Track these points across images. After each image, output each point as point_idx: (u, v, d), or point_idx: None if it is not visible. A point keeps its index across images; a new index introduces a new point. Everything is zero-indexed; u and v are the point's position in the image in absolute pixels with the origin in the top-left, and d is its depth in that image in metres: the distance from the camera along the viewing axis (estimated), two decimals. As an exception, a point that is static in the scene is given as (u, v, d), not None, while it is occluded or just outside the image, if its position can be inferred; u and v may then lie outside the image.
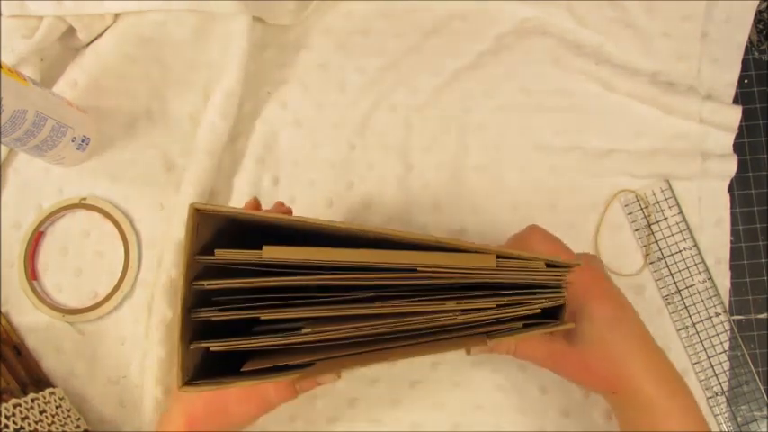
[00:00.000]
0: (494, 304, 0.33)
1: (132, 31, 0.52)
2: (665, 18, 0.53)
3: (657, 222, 0.50)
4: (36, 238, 0.51)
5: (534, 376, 0.49)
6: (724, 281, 0.50)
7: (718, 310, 0.49)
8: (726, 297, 0.50)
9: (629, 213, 0.51)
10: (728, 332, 0.49)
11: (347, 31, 0.54)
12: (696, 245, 0.50)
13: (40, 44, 0.51)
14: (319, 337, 0.33)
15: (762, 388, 0.49)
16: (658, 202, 0.51)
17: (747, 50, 0.53)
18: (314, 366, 0.34)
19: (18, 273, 0.50)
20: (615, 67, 0.52)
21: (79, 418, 0.47)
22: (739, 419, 0.48)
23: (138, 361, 0.49)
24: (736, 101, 0.52)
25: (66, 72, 0.52)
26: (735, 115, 0.51)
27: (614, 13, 0.53)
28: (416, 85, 0.53)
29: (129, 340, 0.50)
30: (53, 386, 0.47)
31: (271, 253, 0.32)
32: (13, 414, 0.42)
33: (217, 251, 0.33)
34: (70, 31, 0.52)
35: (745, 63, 0.52)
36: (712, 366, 0.49)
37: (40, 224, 0.51)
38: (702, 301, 0.50)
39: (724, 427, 0.48)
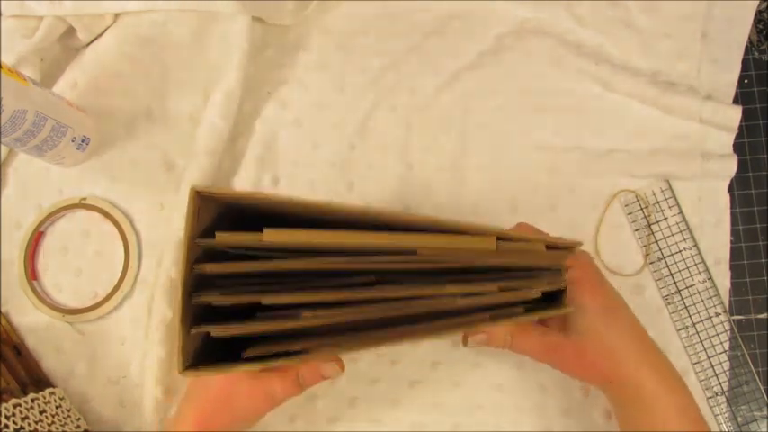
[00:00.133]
0: (495, 288, 0.33)
1: (132, 31, 0.52)
2: (665, 18, 0.53)
3: (657, 222, 0.50)
4: (36, 238, 0.51)
5: (534, 376, 0.49)
6: (724, 281, 0.50)
7: (718, 310, 0.49)
8: (726, 297, 0.50)
9: (629, 213, 0.51)
10: (728, 332, 0.49)
11: (347, 32, 0.54)
12: (696, 245, 0.50)
13: (40, 44, 0.51)
14: (319, 322, 0.32)
15: (762, 388, 0.49)
16: (658, 202, 0.51)
17: (747, 50, 0.53)
18: (313, 353, 0.34)
19: (18, 273, 0.50)
20: (615, 67, 0.52)
21: (79, 418, 0.47)
22: (739, 419, 0.48)
23: (138, 361, 0.49)
24: (736, 101, 0.52)
25: (66, 72, 0.52)
26: (735, 115, 0.51)
27: (614, 13, 0.53)
28: (416, 86, 0.53)
29: (129, 340, 0.50)
30: (53, 386, 0.47)
31: (271, 236, 0.32)
32: (13, 414, 0.42)
33: (217, 234, 0.33)
34: (70, 31, 0.52)
35: (745, 63, 0.52)
36: (712, 366, 0.49)
37: (40, 224, 0.51)
38: (702, 301, 0.50)
39: (724, 427, 0.48)
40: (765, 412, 0.48)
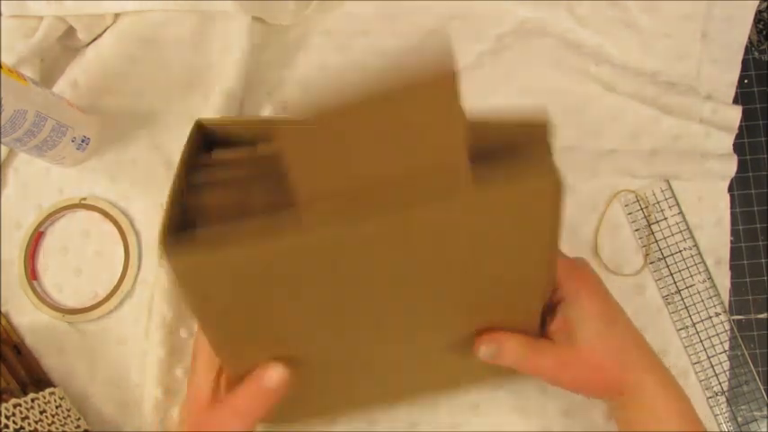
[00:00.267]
0: None
1: (132, 31, 0.52)
2: (665, 18, 0.52)
3: (657, 222, 0.50)
4: (36, 238, 0.51)
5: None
6: (724, 281, 0.50)
7: (718, 310, 0.49)
8: (726, 297, 0.50)
9: (629, 213, 0.51)
10: (728, 332, 0.49)
11: (347, 32, 0.54)
12: (696, 245, 0.50)
13: (40, 44, 0.51)
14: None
15: (762, 388, 0.49)
16: (658, 202, 0.51)
17: (747, 50, 0.53)
18: None
19: (18, 273, 0.50)
20: (615, 67, 0.52)
21: (79, 418, 0.47)
22: (739, 419, 0.48)
23: (138, 361, 0.49)
24: (736, 101, 0.52)
25: (66, 72, 0.52)
26: (735, 115, 0.51)
27: (614, 13, 0.53)
28: (416, 85, 0.53)
29: (129, 340, 0.50)
30: (53, 386, 0.47)
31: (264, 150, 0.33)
32: (13, 414, 0.42)
33: (213, 153, 0.34)
34: (70, 31, 0.52)
35: (745, 63, 0.52)
36: (712, 366, 0.49)
37: (40, 224, 0.51)
38: (702, 301, 0.49)
39: (724, 427, 0.48)
40: (765, 412, 0.48)
